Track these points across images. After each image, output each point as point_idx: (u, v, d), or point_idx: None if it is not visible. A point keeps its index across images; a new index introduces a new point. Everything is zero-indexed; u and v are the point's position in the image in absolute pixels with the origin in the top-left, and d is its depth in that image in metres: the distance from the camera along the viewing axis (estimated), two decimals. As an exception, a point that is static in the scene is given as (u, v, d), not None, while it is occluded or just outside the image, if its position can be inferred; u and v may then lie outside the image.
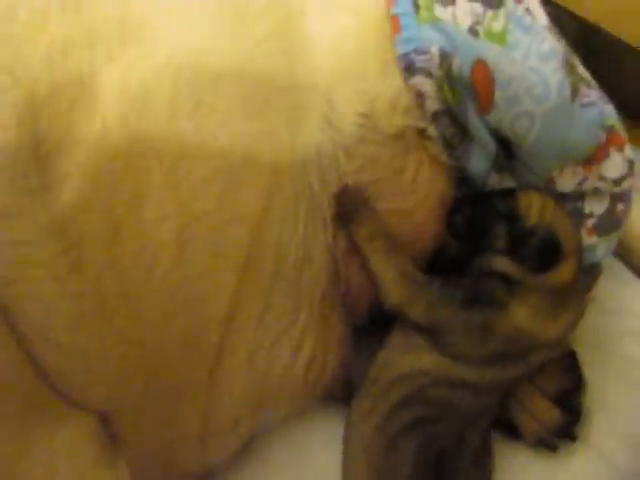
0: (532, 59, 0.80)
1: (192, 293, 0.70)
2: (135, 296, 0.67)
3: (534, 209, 0.82)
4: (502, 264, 0.82)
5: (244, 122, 0.73)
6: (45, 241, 0.61)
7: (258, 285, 0.77)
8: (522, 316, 0.80)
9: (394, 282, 0.81)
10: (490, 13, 0.81)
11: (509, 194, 0.84)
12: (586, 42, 0.96)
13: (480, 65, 0.80)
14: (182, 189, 0.68)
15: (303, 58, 0.78)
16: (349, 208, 0.80)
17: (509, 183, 0.88)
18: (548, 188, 0.87)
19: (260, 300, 0.77)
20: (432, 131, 0.83)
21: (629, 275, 1.05)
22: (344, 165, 0.79)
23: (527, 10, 0.83)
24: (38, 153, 0.60)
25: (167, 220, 0.67)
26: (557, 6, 1.00)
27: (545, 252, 0.80)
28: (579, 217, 0.89)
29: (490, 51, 0.80)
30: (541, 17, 0.84)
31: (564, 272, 0.81)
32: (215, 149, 0.69)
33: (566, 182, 0.87)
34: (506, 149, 0.85)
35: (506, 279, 0.81)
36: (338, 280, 0.83)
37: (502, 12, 0.81)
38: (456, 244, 0.86)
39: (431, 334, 0.81)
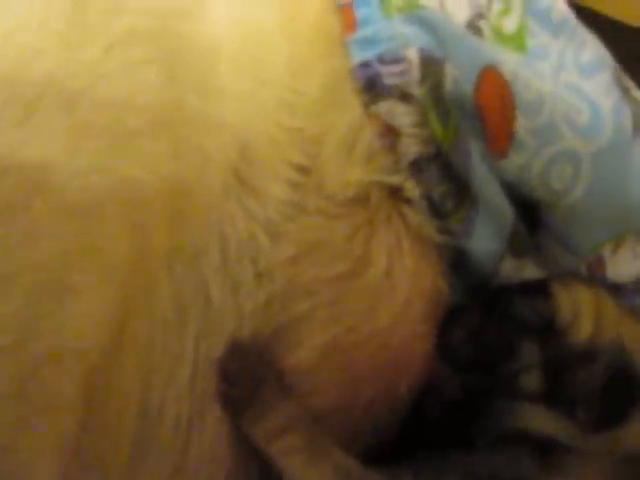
0: (569, 72, 0.68)
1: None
2: None
3: (585, 314, 0.65)
4: (537, 419, 0.63)
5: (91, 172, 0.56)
6: None
7: (108, 471, 0.59)
8: None
9: None
10: (499, 5, 0.68)
11: (539, 290, 0.68)
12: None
13: (490, 76, 0.65)
14: None
15: (197, 73, 0.63)
16: (242, 387, 0.62)
17: (532, 272, 0.73)
18: (594, 277, 0.71)
19: None
20: (411, 190, 0.67)
21: None
22: (267, 254, 0.62)
23: (551, 4, 0.71)
24: None
25: None
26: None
27: (616, 392, 0.62)
28: (643, 323, 0.74)
29: (504, 58, 0.66)
30: (569, 13, 0.72)
31: (645, 424, 0.62)
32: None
33: (623, 267, 0.71)
34: (529, 217, 0.71)
35: (541, 444, 0.62)
36: (253, 452, 0.62)
37: (516, 2, 0.69)
38: (454, 380, 0.68)
39: None
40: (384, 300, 0.66)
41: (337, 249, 0.65)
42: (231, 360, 0.61)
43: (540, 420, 0.63)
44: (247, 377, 0.61)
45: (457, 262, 0.72)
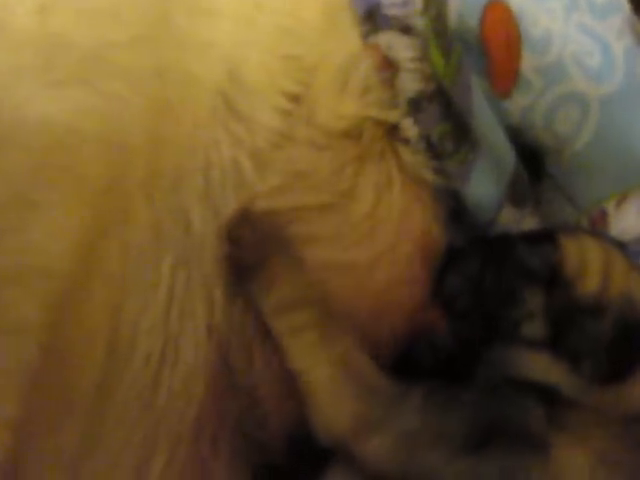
0: (581, 12, 0.65)
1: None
2: None
3: (593, 267, 0.62)
4: (540, 368, 0.61)
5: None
6: None
7: (71, 404, 0.55)
8: (578, 469, 0.56)
9: (333, 390, 0.58)
10: (510, -64, 0.66)
11: (545, 240, 0.64)
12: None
13: (496, 10, 0.63)
14: None
15: None
16: (251, 253, 0.59)
17: (531, 224, 0.72)
18: (601, 234, 0.69)
19: (75, 432, 0.55)
20: (408, 128, 0.65)
21: None
22: (252, 183, 0.60)
23: None
24: None
25: None
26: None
27: (624, 347, 0.59)
28: (648, 283, 0.71)
29: None
30: None
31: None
32: None
33: (627, 222, 0.69)
34: (532, 166, 0.69)
35: (545, 393, 0.59)
36: (231, 390, 0.61)
37: None
38: (452, 326, 0.65)
39: None
40: (369, 236, 0.64)
41: (322, 180, 0.63)
42: (241, 224, 0.59)
43: (543, 369, 0.62)
44: (256, 242, 0.60)
45: (456, 208, 0.70)
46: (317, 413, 0.58)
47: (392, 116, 0.65)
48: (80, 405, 0.55)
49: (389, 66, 0.64)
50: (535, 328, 0.61)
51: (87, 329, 0.55)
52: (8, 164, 0.51)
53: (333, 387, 0.58)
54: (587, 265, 0.63)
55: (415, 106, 0.65)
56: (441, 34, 0.64)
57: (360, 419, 0.57)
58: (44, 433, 0.54)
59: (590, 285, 0.62)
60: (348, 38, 0.64)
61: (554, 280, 0.62)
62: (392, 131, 0.65)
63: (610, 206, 0.68)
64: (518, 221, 0.70)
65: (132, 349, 0.56)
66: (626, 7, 0.67)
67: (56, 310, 0.53)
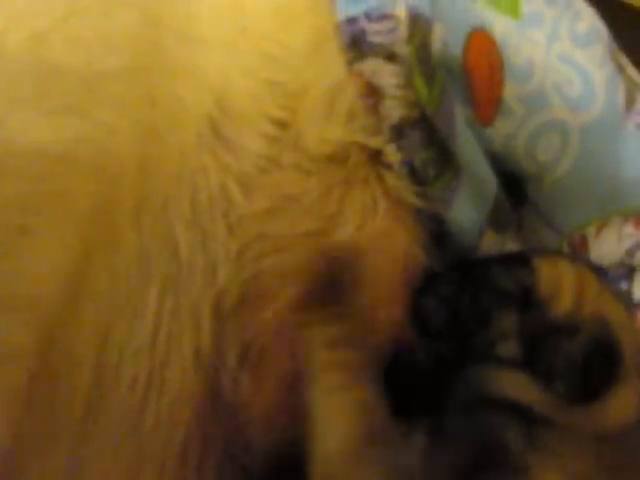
0: (563, 41, 0.65)
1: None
2: None
3: (567, 288, 0.62)
4: (514, 387, 0.60)
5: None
6: None
7: (58, 429, 0.55)
8: None
9: (346, 432, 0.56)
10: (495, -33, 0.65)
11: (520, 262, 0.64)
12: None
13: (479, 39, 0.63)
14: None
15: (177, 18, 0.61)
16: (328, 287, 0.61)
17: (513, 248, 0.72)
18: (576, 257, 0.70)
19: (61, 457, 0.54)
20: (392, 154, 0.64)
21: None
22: (239, 206, 0.60)
23: None
24: None
25: None
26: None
27: (597, 367, 0.59)
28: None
29: (496, 21, 0.64)
30: None
31: (626, 401, 0.59)
32: None
33: (607, 248, 0.69)
34: (514, 192, 0.69)
35: (521, 413, 0.58)
36: (217, 415, 0.60)
37: (513, -34, 0.66)
38: (427, 347, 0.64)
39: None
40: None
41: (309, 206, 0.62)
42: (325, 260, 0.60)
43: (517, 388, 0.61)
44: (334, 282, 0.61)
45: (438, 233, 0.68)
46: (321, 450, 0.57)
47: (376, 142, 0.64)
48: (66, 430, 0.54)
49: (373, 93, 0.63)
50: (509, 348, 0.61)
51: (74, 355, 0.54)
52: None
53: (346, 426, 0.58)
54: (561, 286, 0.62)
55: (398, 132, 0.64)
56: (425, 62, 0.62)
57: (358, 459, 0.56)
58: (31, 458, 0.53)
59: (563, 306, 0.61)
60: (333, 65, 0.63)
61: (528, 301, 0.62)
62: (376, 156, 0.64)
63: (590, 232, 0.68)
64: (500, 246, 0.70)
65: (118, 374, 0.55)
66: (607, 36, 0.68)
67: (44, 336, 0.52)
